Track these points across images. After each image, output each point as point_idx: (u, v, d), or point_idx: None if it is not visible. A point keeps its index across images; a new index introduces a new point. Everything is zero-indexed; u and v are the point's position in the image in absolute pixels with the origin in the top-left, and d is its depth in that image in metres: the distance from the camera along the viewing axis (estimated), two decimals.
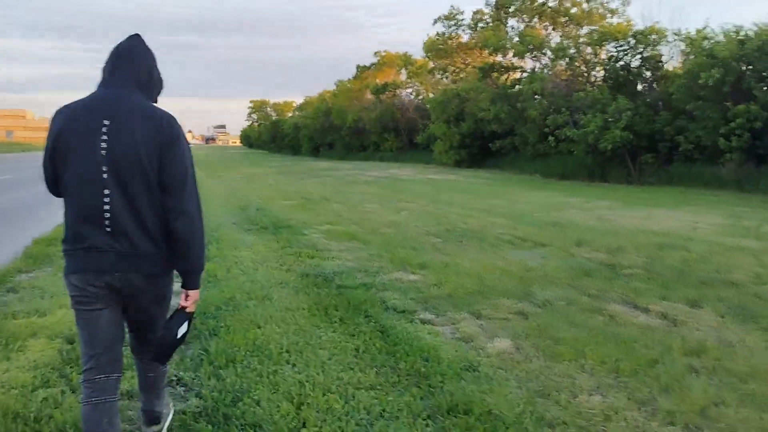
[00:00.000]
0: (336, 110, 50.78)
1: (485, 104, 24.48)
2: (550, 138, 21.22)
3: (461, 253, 7.88)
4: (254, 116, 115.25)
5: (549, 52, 22.62)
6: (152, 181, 2.35)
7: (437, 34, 29.20)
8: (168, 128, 2.40)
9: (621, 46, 20.72)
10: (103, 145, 2.30)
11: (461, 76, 29.53)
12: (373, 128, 44.32)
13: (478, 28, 27.66)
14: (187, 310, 2.54)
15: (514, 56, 24.21)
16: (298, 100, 78.78)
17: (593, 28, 22.54)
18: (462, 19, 28.37)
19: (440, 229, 9.98)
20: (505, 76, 26.34)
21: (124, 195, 2.32)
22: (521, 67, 25.17)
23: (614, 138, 18.97)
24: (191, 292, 2.54)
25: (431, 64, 35.50)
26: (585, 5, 23.11)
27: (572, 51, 21.65)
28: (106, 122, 2.32)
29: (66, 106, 2.41)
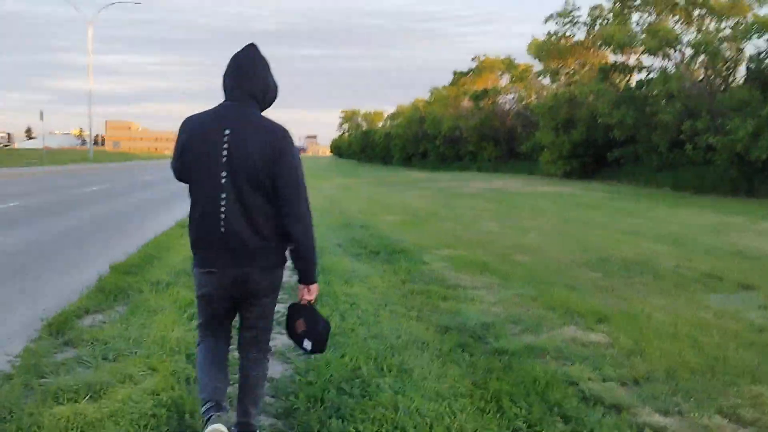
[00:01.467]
0: (430, 118, 49.26)
1: (606, 108, 22.06)
2: (688, 146, 18.62)
3: (639, 296, 6.03)
4: (345, 126, 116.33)
5: (687, 48, 19.99)
6: (266, 187, 2.57)
7: (549, 33, 26.93)
8: (280, 140, 2.61)
9: None
10: (224, 153, 2.56)
11: (575, 78, 27.14)
12: (470, 137, 42.41)
13: (597, 25, 25.28)
14: (312, 301, 2.77)
15: (642, 54, 21.66)
16: (389, 110, 78.25)
17: (737, 19, 19.71)
18: (578, 16, 26.05)
19: (590, 257, 8.12)
20: (628, 77, 23.83)
21: (239, 199, 2.56)
22: (647, 67, 22.59)
23: None
24: (312, 287, 2.73)
25: (537, 67, 33.31)
26: None
27: (717, 45, 18.96)
28: (227, 132, 2.57)
29: (193, 117, 2.69)
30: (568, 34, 26.56)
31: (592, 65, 27.29)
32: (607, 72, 23.51)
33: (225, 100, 2.64)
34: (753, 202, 16.78)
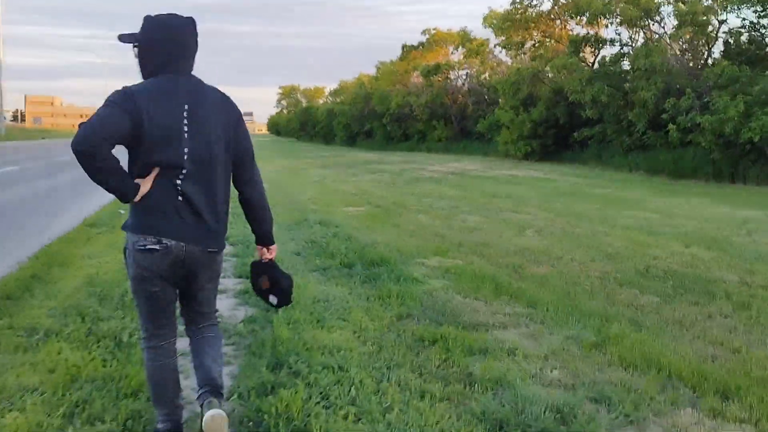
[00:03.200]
0: (377, 95, 47.21)
1: (577, 85, 20.66)
2: (671, 126, 17.39)
3: (738, 336, 4.39)
4: (283, 103, 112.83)
5: (669, 19, 18.73)
6: (227, 161, 2.60)
7: (513, 2, 25.26)
8: (234, 107, 2.69)
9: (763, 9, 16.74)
10: (185, 129, 2.47)
11: (540, 52, 25.67)
12: (421, 115, 40.65)
13: None
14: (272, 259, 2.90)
15: (620, 25, 20.28)
16: (331, 87, 75.66)
17: None
18: None
19: (623, 268, 6.50)
20: (598, 51, 22.51)
21: (200, 178, 2.52)
22: (621, 40, 21.27)
23: (764, 127, 15.13)
24: (272, 247, 2.87)
25: (493, 42, 31.75)
26: None
27: (706, 16, 17.74)
28: (186, 107, 2.49)
29: (138, 88, 2.47)
30: (534, 2, 25.01)
31: (559, 38, 25.88)
32: (578, 45, 22.08)
33: (163, 74, 2.51)
34: (749, 190, 15.72)
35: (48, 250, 6.89)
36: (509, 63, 34.33)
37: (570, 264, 6.75)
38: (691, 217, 10.29)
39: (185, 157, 2.46)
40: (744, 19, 17.70)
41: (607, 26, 21.80)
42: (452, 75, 40.41)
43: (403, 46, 45.41)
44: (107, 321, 4.31)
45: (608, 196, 13.86)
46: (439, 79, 39.65)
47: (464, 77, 39.70)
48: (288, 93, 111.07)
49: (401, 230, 8.98)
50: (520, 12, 25.12)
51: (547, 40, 25.86)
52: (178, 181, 2.47)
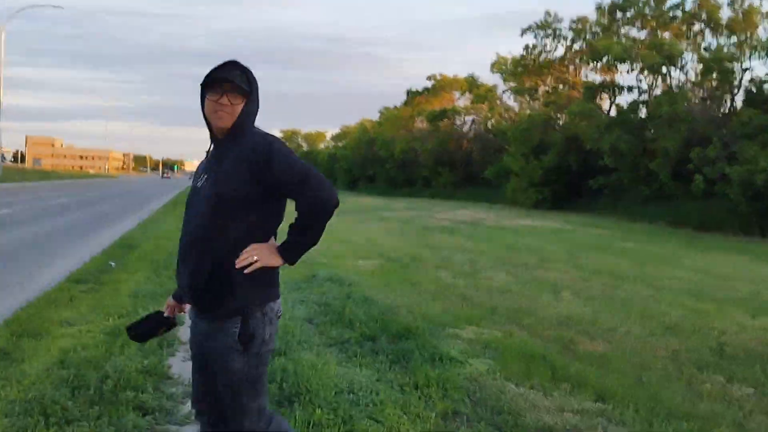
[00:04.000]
0: (381, 140, 46.91)
1: (594, 132, 20.06)
2: (697, 177, 16.68)
3: None
4: None
5: (692, 65, 18.23)
6: None
7: (526, 47, 24.91)
8: None
9: None
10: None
11: (553, 98, 25.22)
12: (426, 160, 40.20)
13: (580, 39, 23.43)
14: None
15: (641, 72, 19.79)
16: (332, 131, 75.47)
17: (744, 35, 18.11)
18: (559, 29, 24.15)
19: (691, 345, 5.63)
20: (613, 98, 22.00)
21: None
22: (640, 87, 20.77)
23: None
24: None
25: (500, 87, 31.48)
26: (728, 9, 18.71)
27: (732, 62, 17.23)
28: None
29: None
30: (548, 48, 24.67)
31: (573, 84, 25.46)
32: (593, 91, 21.57)
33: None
34: None
35: (22, 314, 6.00)
36: (517, 109, 34.04)
37: (627, 338, 5.86)
38: (740, 279, 9.43)
39: None
40: None
41: (622, 73, 21.38)
42: (458, 121, 40.14)
43: (408, 92, 45.37)
44: (77, 425, 3.41)
45: (638, 251, 13.01)
46: (445, 124, 39.35)
47: (470, 123, 39.39)
48: (289, 137, 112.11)
49: (422, 290, 8.10)
50: (532, 57, 24.75)
51: (561, 86, 25.43)
52: None
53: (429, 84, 43.25)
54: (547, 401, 4.13)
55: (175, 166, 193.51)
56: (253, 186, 2.15)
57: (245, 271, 2.09)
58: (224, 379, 2.20)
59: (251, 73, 2.30)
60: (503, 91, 31.49)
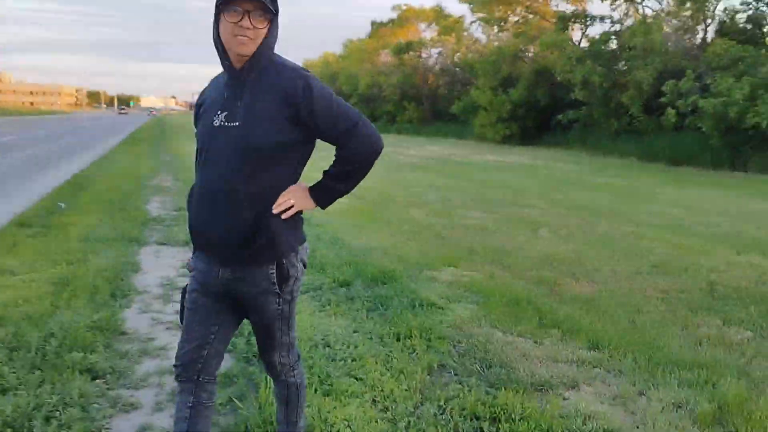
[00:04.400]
0: (345, 74, 45.70)
1: (566, 65, 19.60)
2: (669, 110, 16.46)
3: None
4: None
5: None
6: None
7: None
8: None
9: None
10: None
11: (522, 29, 24.54)
12: (391, 95, 39.34)
13: None
14: None
15: (613, 1, 19.20)
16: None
17: None
18: None
19: (681, 284, 5.41)
20: (585, 29, 21.45)
21: None
22: (611, 17, 20.24)
23: None
24: None
25: (468, 19, 30.54)
26: None
27: None
28: None
29: None
30: None
31: (543, 14, 24.78)
32: (566, 22, 20.97)
33: None
34: (755, 179, 14.88)
35: None
36: (485, 41, 33.23)
37: (614, 278, 5.61)
38: (719, 213, 9.29)
39: None
40: None
41: (593, 2, 20.76)
42: (424, 54, 39.17)
43: (372, 23, 44.01)
44: (14, 394, 2.99)
45: (612, 185, 12.84)
46: (411, 58, 38.36)
47: (437, 56, 38.46)
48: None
49: (396, 230, 7.74)
50: None
51: (531, 16, 24.73)
52: None
53: (394, 15, 41.96)
54: (539, 350, 3.85)
55: (131, 102, 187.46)
56: (292, 131, 1.97)
57: (282, 216, 1.99)
58: (258, 321, 2.14)
59: None
60: (471, 23, 30.59)
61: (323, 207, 2.11)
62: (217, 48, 2.02)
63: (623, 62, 18.01)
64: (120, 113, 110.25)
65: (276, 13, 1.99)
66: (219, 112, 2.01)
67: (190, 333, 2.14)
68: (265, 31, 1.96)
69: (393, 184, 12.78)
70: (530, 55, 25.79)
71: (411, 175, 14.38)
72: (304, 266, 2.13)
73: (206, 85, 2.24)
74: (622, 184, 13.02)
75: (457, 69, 35.79)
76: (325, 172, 2.08)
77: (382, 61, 41.79)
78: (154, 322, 4.14)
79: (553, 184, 12.91)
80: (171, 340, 3.78)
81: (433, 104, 38.93)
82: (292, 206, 2.01)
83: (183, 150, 19.59)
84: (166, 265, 5.57)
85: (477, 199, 10.64)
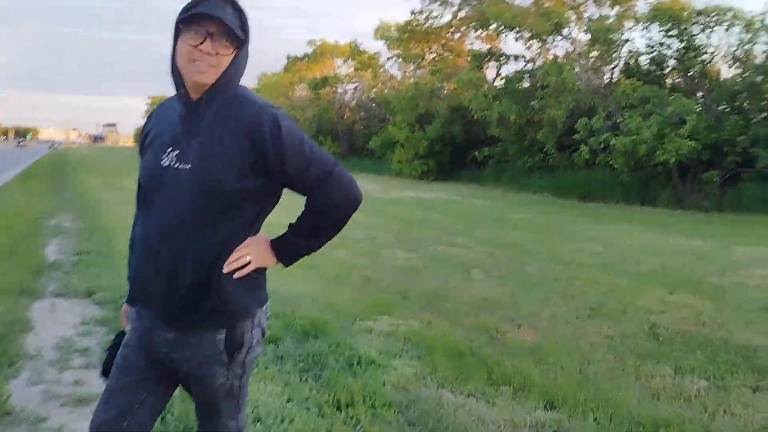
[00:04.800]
0: None
1: (482, 102, 19.93)
2: (583, 147, 16.95)
3: None
4: None
5: (584, 34, 18.35)
6: None
7: (412, 12, 24.31)
8: None
9: (672, 28, 16.72)
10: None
11: (439, 66, 24.90)
12: (307, 130, 38.96)
13: (469, 5, 23.10)
14: None
15: (530, 39, 19.74)
16: None
17: (626, 7, 18.53)
18: None
19: (622, 329, 5.26)
20: (499, 67, 21.98)
21: None
22: (524, 56, 20.84)
23: (679, 149, 14.94)
24: None
25: (386, 54, 30.83)
26: None
27: (619, 34, 17.52)
28: None
29: None
30: (434, 14, 24.18)
31: (459, 52, 25.26)
32: (481, 60, 21.40)
33: None
34: (666, 214, 15.45)
35: None
36: (401, 78, 33.63)
37: (555, 324, 5.40)
38: (641, 250, 9.41)
39: None
40: (650, 38, 17.71)
41: (507, 42, 21.34)
42: (340, 89, 39.17)
43: (288, 57, 43.71)
44: None
45: (533, 222, 12.93)
46: (327, 92, 38.27)
47: (353, 91, 38.55)
48: (158, 103, 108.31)
49: (322, 273, 7.30)
50: (419, 23, 24.21)
51: (447, 54, 25.14)
52: None
53: (310, 50, 41.89)
54: (494, 412, 3.52)
55: (29, 134, 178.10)
56: (254, 177, 1.69)
57: (235, 275, 1.70)
58: (200, 397, 1.81)
59: (245, 14, 1.73)
60: (387, 59, 30.85)
61: (286, 265, 1.82)
62: (172, 72, 1.74)
63: (537, 100, 18.45)
64: (19, 146, 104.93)
65: (245, 40, 1.71)
66: (169, 150, 1.72)
67: (112, 397, 1.80)
68: (229, 59, 1.69)
69: None
70: (445, 92, 26.17)
71: None
72: (263, 334, 1.83)
73: (155, 108, 1.95)
74: (542, 221, 13.14)
75: (373, 105, 35.97)
76: (291, 225, 1.81)
77: (298, 96, 41.52)
78: (47, 397, 3.50)
79: (475, 221, 12.86)
80: (68, 420, 3.18)
81: (350, 139, 38.90)
82: (249, 263, 1.71)
83: (86, 186, 18.41)
84: (63, 323, 4.87)
85: (402, 237, 10.37)
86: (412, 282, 6.95)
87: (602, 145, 16.50)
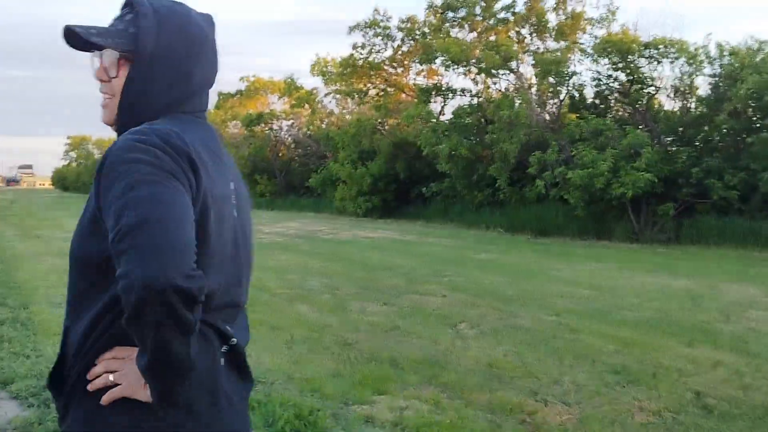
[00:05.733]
0: None
1: (431, 137, 19.39)
2: (538, 182, 16.55)
3: None
4: (72, 155, 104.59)
5: (530, 67, 18.14)
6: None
7: (354, 46, 23.67)
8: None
9: (620, 60, 16.69)
10: (238, 225, 1.43)
11: (382, 101, 24.34)
12: (242, 169, 37.68)
13: (412, 38, 22.69)
14: None
15: (479, 74, 19.38)
16: None
17: (570, 40, 18.51)
18: (389, 28, 23.14)
19: (663, 399, 4.52)
20: (445, 102, 21.59)
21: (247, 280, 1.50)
22: (470, 90, 20.51)
23: (637, 182, 14.71)
24: None
25: (324, 90, 30.11)
26: (559, 14, 19.04)
27: (568, 66, 17.36)
28: (233, 185, 1.44)
29: (190, 138, 1.29)
30: (377, 48, 23.63)
31: (402, 87, 24.79)
32: (429, 94, 20.94)
33: (177, 113, 1.37)
34: (628, 249, 15.13)
35: None
36: (337, 113, 33.00)
37: (585, 395, 4.59)
38: (627, 292, 8.81)
39: (243, 281, 1.44)
40: (598, 72, 17.66)
41: (451, 76, 21.06)
42: (276, 126, 38.17)
43: (219, 94, 42.34)
44: None
45: (499, 262, 12.25)
46: (262, 130, 37.17)
47: (289, 128, 37.61)
48: (78, 144, 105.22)
49: (288, 336, 6.31)
50: (360, 58, 23.62)
51: (389, 89, 24.64)
52: (228, 329, 1.37)
53: (243, 86, 40.79)
54: None
55: None
56: (99, 239, 1.23)
57: (103, 400, 1.24)
58: None
59: (146, 5, 1.32)
60: (325, 95, 30.12)
61: (155, 403, 1.24)
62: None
63: (488, 134, 18.03)
64: None
65: (136, 47, 1.31)
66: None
67: None
68: (122, 80, 1.33)
69: (262, 270, 11.25)
70: (387, 127, 25.64)
71: (279, 257, 12.90)
72: None
73: None
74: (508, 261, 12.48)
75: (310, 141, 35.12)
76: None
77: (231, 133, 40.20)
78: None
79: (439, 263, 12.07)
80: None
81: (287, 177, 37.81)
82: (114, 385, 1.25)
83: None
84: None
85: (367, 286, 9.44)
86: (397, 345, 6.03)
87: (556, 179, 16.13)
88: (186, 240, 1.14)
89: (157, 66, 1.31)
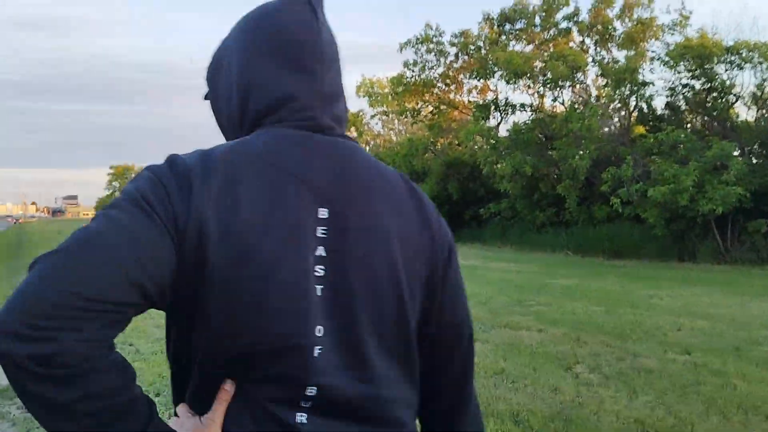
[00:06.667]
0: None
1: (491, 155, 18.57)
2: (614, 200, 15.54)
3: None
4: (115, 184, 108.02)
5: (603, 78, 17.21)
6: (410, 333, 1.07)
7: (406, 63, 23.07)
8: (441, 223, 1.17)
9: (697, 68, 15.68)
10: (320, 275, 0.99)
11: (434, 119, 23.64)
12: None
13: (466, 53, 22.02)
14: None
15: (544, 86, 18.56)
16: None
17: (638, 48, 17.57)
18: (442, 43, 22.53)
19: None
20: (502, 118, 20.76)
21: (347, 349, 1.01)
22: (531, 105, 19.64)
23: (727, 197, 13.61)
24: None
25: (371, 111, 29.61)
26: (624, 21, 18.15)
27: (643, 75, 16.43)
28: (327, 212, 1.01)
29: (213, 156, 0.99)
30: (430, 64, 22.98)
31: (456, 104, 24.07)
32: (487, 110, 20.15)
33: (272, 125, 1.06)
34: (720, 270, 14.02)
35: None
36: (383, 133, 32.50)
37: None
38: (755, 323, 7.80)
39: (317, 355, 0.97)
40: (671, 81, 16.67)
41: (510, 91, 20.25)
42: None
43: None
44: None
45: (584, 288, 11.30)
46: None
47: None
48: (121, 173, 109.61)
49: None
50: (415, 75, 23.00)
51: (442, 107, 23.94)
52: (299, 418, 0.97)
53: None
54: None
55: None
56: None
57: None
58: None
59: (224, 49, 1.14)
60: (371, 116, 29.61)
61: None
62: None
63: (555, 151, 17.13)
64: None
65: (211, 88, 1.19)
66: None
67: None
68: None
69: None
70: (439, 147, 24.90)
71: None
72: None
73: None
74: (592, 287, 11.52)
75: None
76: None
77: None
78: None
79: (514, 290, 11.19)
80: None
81: None
82: None
83: None
84: None
85: None
86: (511, 393, 5.20)
87: (634, 197, 15.09)
88: (75, 279, 0.84)
89: (215, 111, 1.26)
